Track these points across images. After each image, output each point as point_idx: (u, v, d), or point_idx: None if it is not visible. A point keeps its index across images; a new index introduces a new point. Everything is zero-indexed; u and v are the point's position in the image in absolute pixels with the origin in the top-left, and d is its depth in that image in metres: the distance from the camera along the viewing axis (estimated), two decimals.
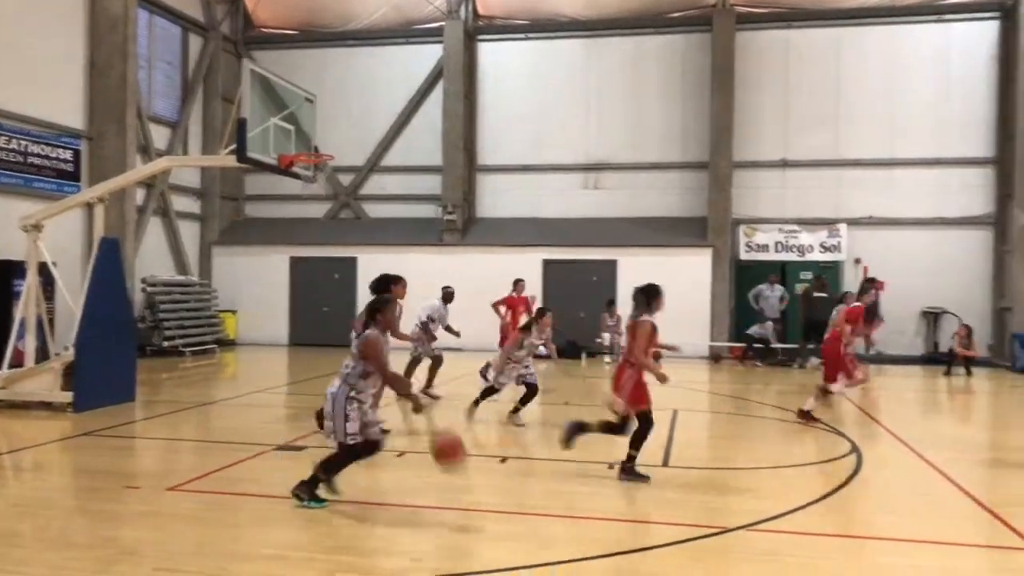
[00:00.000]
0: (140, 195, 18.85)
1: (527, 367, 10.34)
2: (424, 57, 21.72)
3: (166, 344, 18.44)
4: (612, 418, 7.45)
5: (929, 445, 9.09)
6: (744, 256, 20.04)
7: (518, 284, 16.25)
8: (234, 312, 21.40)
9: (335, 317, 21.20)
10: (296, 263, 21.70)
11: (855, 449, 8.78)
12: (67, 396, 10.55)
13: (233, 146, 10.33)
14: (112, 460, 8.19)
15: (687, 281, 19.06)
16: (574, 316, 19.05)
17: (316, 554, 5.33)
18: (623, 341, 17.20)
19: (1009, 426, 11.87)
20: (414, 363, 12.37)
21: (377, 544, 5.66)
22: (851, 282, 19.20)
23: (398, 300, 9.76)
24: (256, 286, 21.55)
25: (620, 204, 20.67)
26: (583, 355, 18.77)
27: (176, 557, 5.14)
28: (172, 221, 20.48)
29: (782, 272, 19.50)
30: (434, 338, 12.54)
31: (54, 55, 16.21)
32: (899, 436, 9.71)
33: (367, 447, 6.22)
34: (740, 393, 14.10)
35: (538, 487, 7.33)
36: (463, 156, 21.10)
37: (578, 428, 7.51)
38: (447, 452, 6.11)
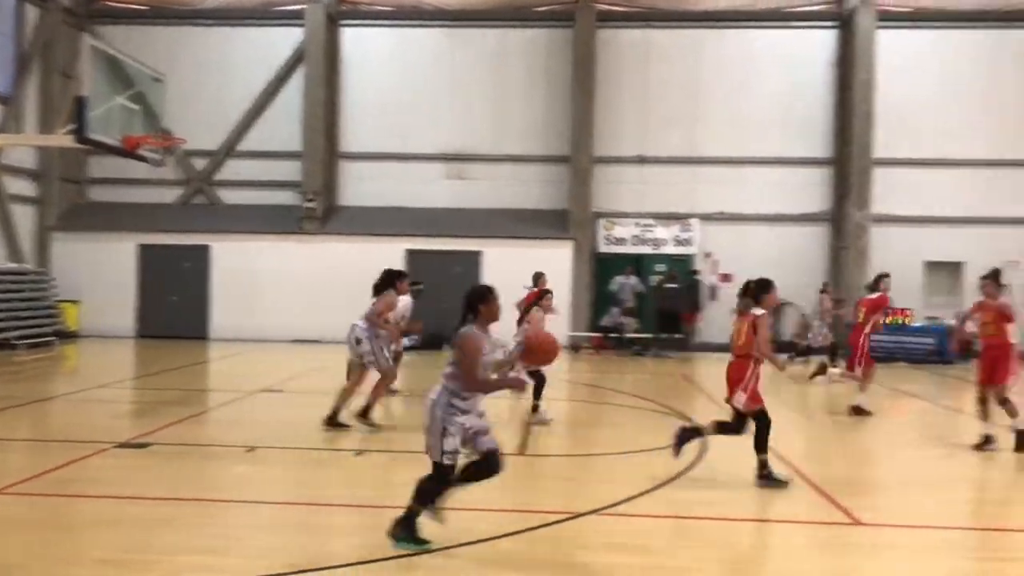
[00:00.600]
0: None
1: None
2: (284, 40, 21.06)
3: None
4: (726, 418, 7.33)
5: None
6: (604, 249, 20.59)
7: (540, 279, 13.79)
8: (76, 302, 20.11)
9: (185, 308, 20.39)
10: (144, 251, 20.60)
11: (699, 433, 9.16)
12: None
13: (72, 126, 9.70)
14: None
15: (549, 273, 19.23)
16: (438, 307, 18.96)
17: (157, 556, 5.08)
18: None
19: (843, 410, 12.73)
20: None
21: (222, 543, 5.45)
22: (702, 274, 20.17)
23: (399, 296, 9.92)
24: (100, 275, 20.30)
25: (484, 195, 20.77)
26: (446, 346, 18.79)
27: None
28: (4, 204, 19.02)
29: (638, 264, 20.17)
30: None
31: None
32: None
33: (485, 462, 5.18)
34: (597, 382, 14.49)
35: (396, 479, 7.27)
36: (324, 142, 20.64)
37: (691, 433, 7.34)
38: (544, 348, 5.45)
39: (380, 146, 21.03)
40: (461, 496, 5.31)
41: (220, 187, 21.49)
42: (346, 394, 9.38)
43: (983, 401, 8.77)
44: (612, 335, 19.03)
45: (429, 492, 5.12)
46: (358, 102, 21.17)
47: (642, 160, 20.71)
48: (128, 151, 10.30)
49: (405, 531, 5.11)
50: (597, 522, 5.96)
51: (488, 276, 19.58)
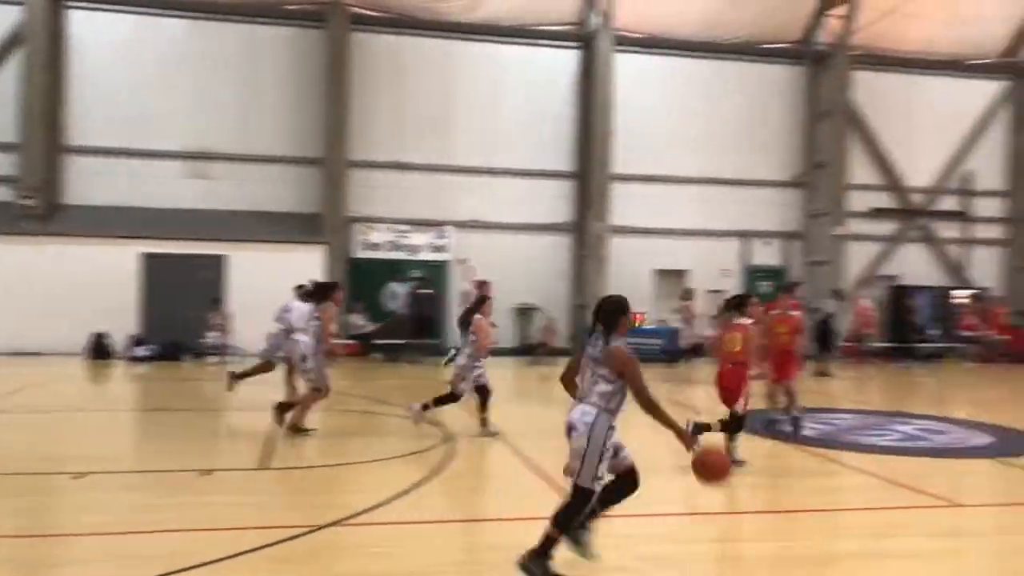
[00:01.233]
0: None
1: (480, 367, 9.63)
2: (0, 19, 18.85)
3: None
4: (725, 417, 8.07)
5: (517, 431, 9.95)
6: (360, 254, 20.38)
7: (483, 285, 14.31)
8: None
9: None
10: None
11: (448, 439, 9.30)
12: None
13: None
14: None
15: (302, 278, 18.76)
16: (178, 315, 17.83)
17: None
18: (233, 340, 16.48)
19: None
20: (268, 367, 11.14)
21: None
22: (458, 281, 20.54)
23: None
24: None
25: (230, 196, 19.76)
26: (187, 357, 17.70)
27: None
28: None
29: (394, 271, 20.19)
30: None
31: None
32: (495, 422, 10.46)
33: (630, 478, 4.98)
34: (348, 389, 14.27)
35: (118, 502, 6.69)
36: (45, 134, 18.69)
37: (701, 428, 7.61)
38: (716, 470, 5.03)
39: (113, 140, 19.35)
40: (189, 515, 4.98)
41: None
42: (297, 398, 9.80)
43: (772, 395, 10.35)
44: (363, 340, 18.88)
45: (570, 518, 4.80)
46: (88, 91, 19.37)
47: (399, 166, 20.74)
48: None
49: (540, 567, 4.74)
50: (340, 533, 5.84)
51: (234, 281, 18.73)
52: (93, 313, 17.79)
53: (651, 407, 4.77)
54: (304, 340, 9.71)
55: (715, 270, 22.01)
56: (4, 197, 18.61)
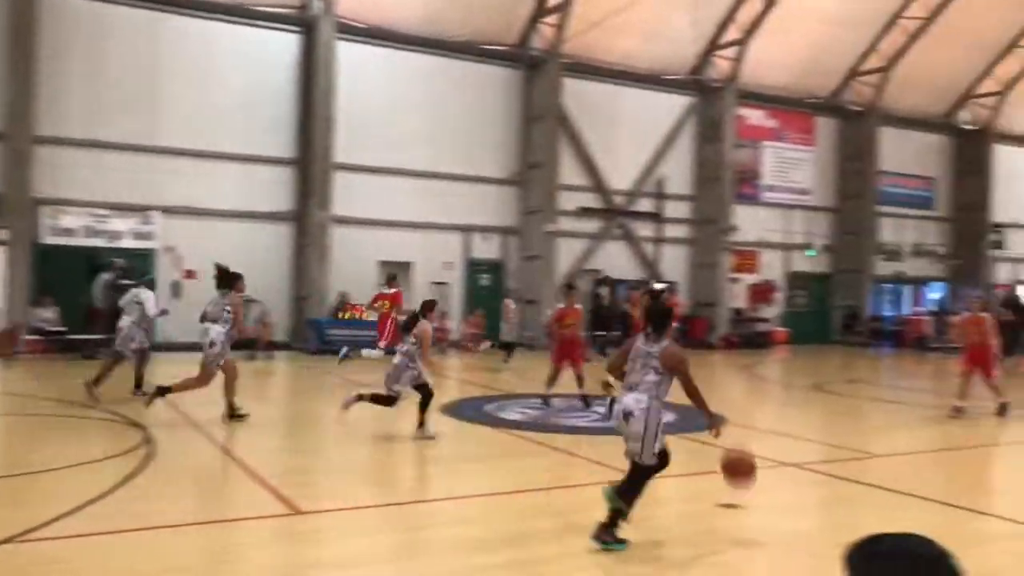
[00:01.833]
0: None
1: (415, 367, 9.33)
2: None
3: None
4: None
5: (227, 427, 9.48)
6: (49, 240, 18.30)
7: (392, 281, 15.58)
8: None
9: None
10: None
11: (149, 440, 8.64)
12: None
13: None
14: None
15: None
16: None
17: None
18: None
19: (305, 400, 13.15)
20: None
21: None
22: (166, 270, 19.17)
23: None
24: None
25: None
26: None
27: None
28: None
29: (93, 259, 18.30)
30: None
31: None
32: (197, 421, 9.89)
33: (663, 461, 5.69)
34: (29, 391, 12.80)
35: None
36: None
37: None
38: (743, 471, 6.16)
39: None
40: None
41: None
42: (231, 388, 9.88)
43: (580, 379, 11.86)
44: (52, 335, 17.03)
45: (635, 491, 5.56)
46: None
47: (97, 144, 18.85)
48: None
49: (611, 535, 5.46)
50: (13, 552, 5.19)
51: None
52: None
53: (695, 394, 5.61)
54: (217, 328, 9.91)
55: (438, 262, 22.48)
56: None
